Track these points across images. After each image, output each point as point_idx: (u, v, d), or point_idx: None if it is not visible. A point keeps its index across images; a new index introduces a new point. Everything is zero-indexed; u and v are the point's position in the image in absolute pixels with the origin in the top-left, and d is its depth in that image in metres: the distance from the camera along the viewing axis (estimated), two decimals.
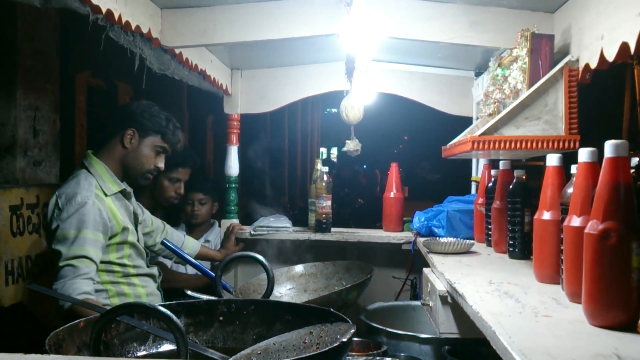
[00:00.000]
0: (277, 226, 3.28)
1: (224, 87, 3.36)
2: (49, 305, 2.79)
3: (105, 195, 2.28)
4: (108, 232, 2.23)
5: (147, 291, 2.43)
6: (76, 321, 1.40)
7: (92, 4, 1.83)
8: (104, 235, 2.21)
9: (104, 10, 1.91)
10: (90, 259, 2.14)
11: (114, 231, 2.26)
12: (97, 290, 2.26)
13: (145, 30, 2.26)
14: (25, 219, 2.78)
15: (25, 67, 2.97)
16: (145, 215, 2.65)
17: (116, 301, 2.30)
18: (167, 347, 1.56)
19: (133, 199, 2.49)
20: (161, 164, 2.42)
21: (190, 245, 2.90)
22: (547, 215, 1.66)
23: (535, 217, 1.70)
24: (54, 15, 3.18)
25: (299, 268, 2.97)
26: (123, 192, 2.37)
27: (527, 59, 2.09)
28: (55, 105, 3.23)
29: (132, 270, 2.37)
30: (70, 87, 3.77)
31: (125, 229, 2.31)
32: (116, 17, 1.99)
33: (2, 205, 2.63)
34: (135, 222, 2.47)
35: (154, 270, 2.53)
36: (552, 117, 2.02)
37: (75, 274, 2.09)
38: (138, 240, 2.43)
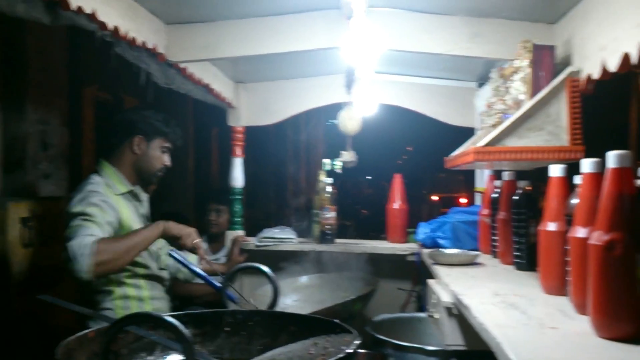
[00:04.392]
0: (281, 237, 3.30)
1: (228, 100, 3.39)
2: (59, 315, 2.81)
3: (115, 194, 2.41)
4: (115, 218, 2.33)
5: (151, 294, 2.48)
6: (86, 331, 1.41)
7: (99, 21, 1.86)
8: (112, 217, 2.31)
9: (110, 27, 1.94)
10: (99, 224, 2.22)
11: (119, 219, 2.36)
12: (100, 292, 2.31)
13: (151, 46, 2.30)
14: (35, 231, 2.81)
15: (35, 82, 3.01)
16: None
17: (119, 304, 2.38)
18: (174, 357, 1.57)
19: (145, 202, 2.61)
20: (168, 162, 2.58)
21: (192, 259, 2.93)
22: (552, 226, 1.66)
23: (540, 228, 1.70)
24: (62, 32, 3.22)
25: (303, 279, 2.97)
26: (132, 193, 2.50)
27: (528, 70, 2.10)
28: (64, 119, 3.27)
29: (140, 270, 2.41)
30: (78, 101, 3.81)
31: (130, 226, 2.40)
32: (123, 33, 2.02)
33: (13, 218, 2.67)
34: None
35: (164, 273, 2.58)
36: (555, 128, 2.03)
37: (89, 232, 2.16)
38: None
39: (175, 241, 2.38)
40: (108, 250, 2.13)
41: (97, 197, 2.30)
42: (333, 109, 3.44)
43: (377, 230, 5.76)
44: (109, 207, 2.32)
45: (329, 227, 3.24)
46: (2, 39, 2.85)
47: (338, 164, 3.31)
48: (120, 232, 2.36)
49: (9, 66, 2.88)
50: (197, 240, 2.40)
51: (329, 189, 3.26)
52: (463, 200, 14.23)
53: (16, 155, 2.93)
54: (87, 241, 2.11)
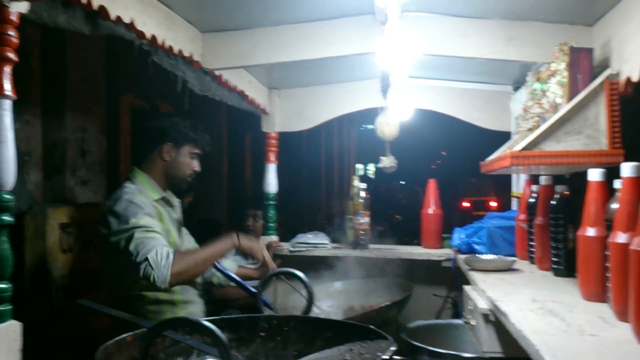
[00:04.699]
0: (315, 243, 3.30)
1: (262, 107, 3.42)
2: (97, 320, 2.87)
3: (150, 201, 2.45)
4: (158, 220, 2.38)
5: (184, 298, 2.52)
6: (124, 335, 1.44)
7: (138, 30, 1.91)
8: (158, 220, 2.38)
9: (148, 36, 1.98)
10: (160, 233, 2.31)
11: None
12: (133, 297, 2.36)
13: (187, 54, 2.34)
14: (74, 236, 2.88)
15: (74, 90, 3.10)
16: (190, 237, 2.74)
17: (151, 308, 2.42)
18: None
19: (177, 208, 2.65)
20: (197, 167, 2.61)
21: (227, 265, 2.96)
22: (591, 232, 1.63)
23: (579, 233, 1.67)
24: (100, 41, 3.31)
25: (337, 285, 2.97)
26: (164, 199, 2.54)
27: (565, 73, 2.07)
28: (102, 126, 3.35)
29: None
30: (115, 109, 3.89)
31: (168, 231, 2.45)
32: (160, 42, 2.07)
33: (53, 223, 2.74)
34: (179, 229, 2.60)
35: (197, 277, 2.61)
36: (594, 132, 1.98)
37: (162, 242, 2.26)
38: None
39: (244, 254, 2.50)
40: (184, 261, 2.26)
41: (143, 206, 2.35)
42: (366, 114, 3.44)
43: (411, 236, 5.72)
44: (153, 213, 2.38)
45: (362, 232, 3.23)
46: (43, 48, 2.94)
47: (371, 169, 3.31)
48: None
49: (49, 75, 2.97)
50: (267, 255, 2.56)
51: (362, 194, 3.25)
52: (493, 204, 14.59)
53: (55, 162, 3.02)
54: (166, 251, 2.22)
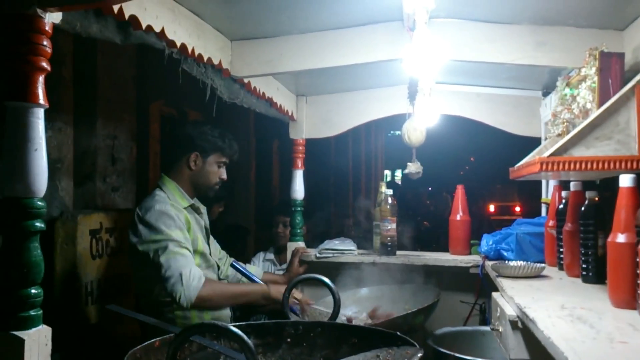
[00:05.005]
0: (342, 249, 3.30)
1: (290, 113, 3.45)
2: (125, 325, 2.91)
3: (179, 209, 2.48)
4: (187, 235, 2.42)
5: None
6: (152, 340, 1.46)
7: (168, 39, 1.95)
8: (187, 236, 2.42)
9: (178, 45, 2.02)
10: (188, 249, 2.36)
11: (187, 233, 2.44)
12: (161, 302, 2.39)
13: (216, 62, 2.37)
14: (104, 242, 2.93)
15: (105, 98, 3.16)
16: (215, 244, 2.76)
17: (179, 314, 2.43)
18: None
19: (205, 215, 2.68)
20: (224, 176, 2.64)
21: (253, 270, 2.98)
22: (621, 238, 1.60)
23: (609, 239, 1.64)
24: (131, 50, 3.37)
25: (364, 291, 2.96)
26: (192, 207, 2.57)
27: (596, 78, 2.04)
28: (132, 134, 3.41)
29: None
30: (145, 116, 3.95)
31: (196, 238, 2.48)
32: (189, 50, 2.10)
33: (83, 230, 2.79)
34: (207, 236, 2.63)
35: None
36: (625, 137, 1.95)
37: (193, 261, 2.34)
38: (210, 254, 2.58)
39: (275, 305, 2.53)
40: (212, 289, 2.36)
41: (175, 217, 2.39)
42: (394, 120, 3.44)
43: (438, 242, 5.69)
44: (183, 225, 2.42)
45: (389, 238, 3.22)
46: (75, 58, 3.00)
47: (398, 175, 3.30)
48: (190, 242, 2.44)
49: (80, 84, 3.03)
50: (296, 301, 2.59)
51: (389, 200, 3.24)
52: (517, 209, 15.08)
53: (86, 169, 3.08)
54: (199, 273, 2.31)
